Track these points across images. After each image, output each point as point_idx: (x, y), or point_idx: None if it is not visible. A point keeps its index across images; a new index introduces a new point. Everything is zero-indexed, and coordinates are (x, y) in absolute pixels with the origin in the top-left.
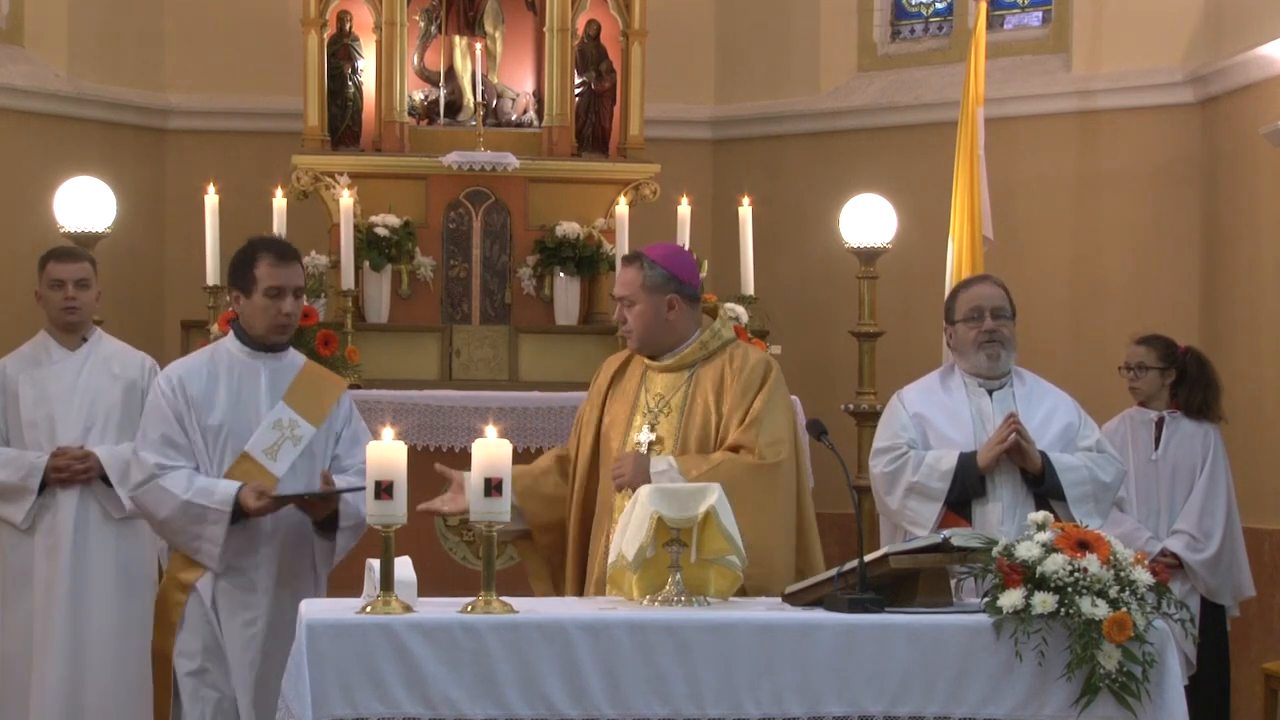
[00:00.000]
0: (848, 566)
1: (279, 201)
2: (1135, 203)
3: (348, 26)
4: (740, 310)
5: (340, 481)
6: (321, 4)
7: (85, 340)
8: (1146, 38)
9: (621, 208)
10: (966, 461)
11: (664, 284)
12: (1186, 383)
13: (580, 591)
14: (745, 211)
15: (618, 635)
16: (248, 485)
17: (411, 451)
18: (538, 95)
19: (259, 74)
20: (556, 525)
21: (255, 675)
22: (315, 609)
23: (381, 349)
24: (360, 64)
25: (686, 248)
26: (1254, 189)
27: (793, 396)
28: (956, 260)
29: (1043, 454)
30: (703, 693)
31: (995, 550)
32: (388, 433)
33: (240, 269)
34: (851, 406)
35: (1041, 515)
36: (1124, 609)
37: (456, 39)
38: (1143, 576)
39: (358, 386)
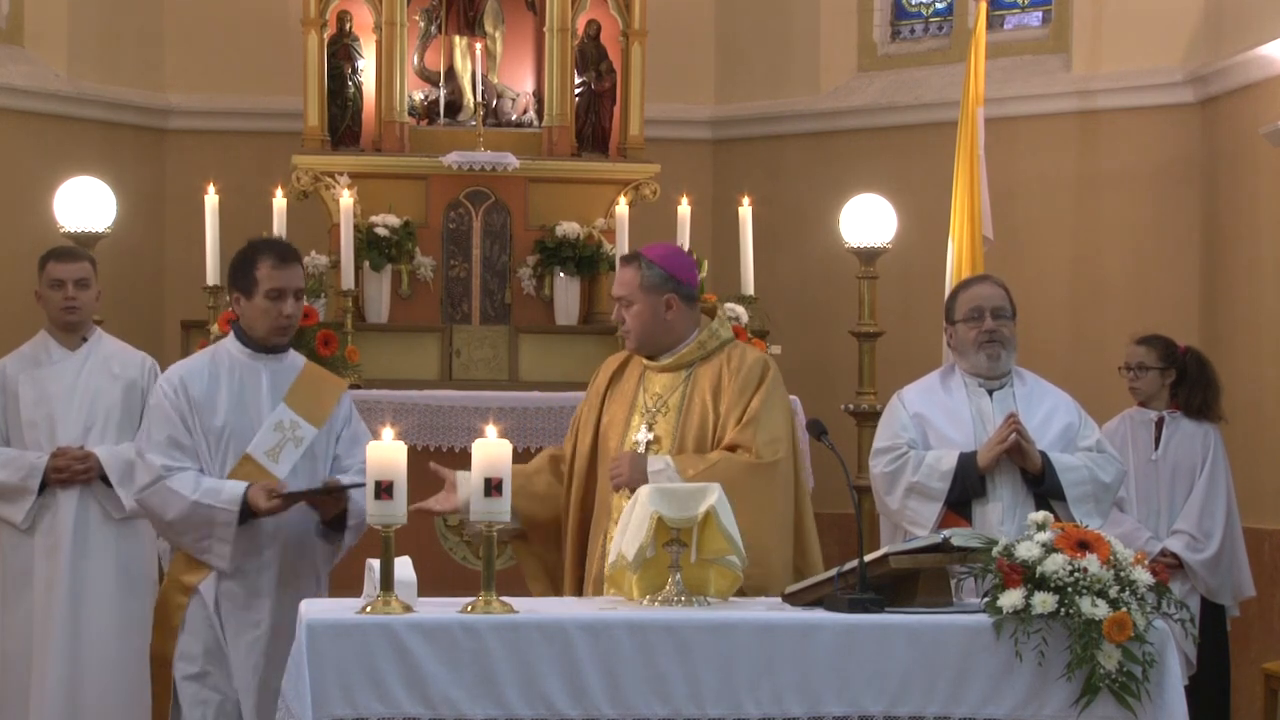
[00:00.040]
0: (848, 566)
1: (279, 201)
2: (1135, 203)
3: (348, 26)
4: (740, 310)
5: (343, 481)
6: (321, 4)
7: (85, 340)
8: (1146, 38)
9: (621, 208)
10: (966, 461)
11: (662, 284)
12: (1186, 383)
13: (579, 592)
14: (745, 211)
15: (618, 635)
16: (256, 485)
17: (412, 451)
18: (538, 95)
19: (259, 74)
20: (550, 523)
21: (259, 678)
22: (315, 609)
23: (381, 349)
24: (360, 64)
25: (686, 248)
26: (1254, 189)
27: (793, 397)
28: (956, 260)
29: (1043, 454)
30: (703, 693)
31: (995, 550)
32: (388, 433)
33: (241, 271)
34: (851, 406)
35: (1041, 515)
36: (1124, 609)
37: (456, 39)
38: (1143, 576)
39: (358, 386)
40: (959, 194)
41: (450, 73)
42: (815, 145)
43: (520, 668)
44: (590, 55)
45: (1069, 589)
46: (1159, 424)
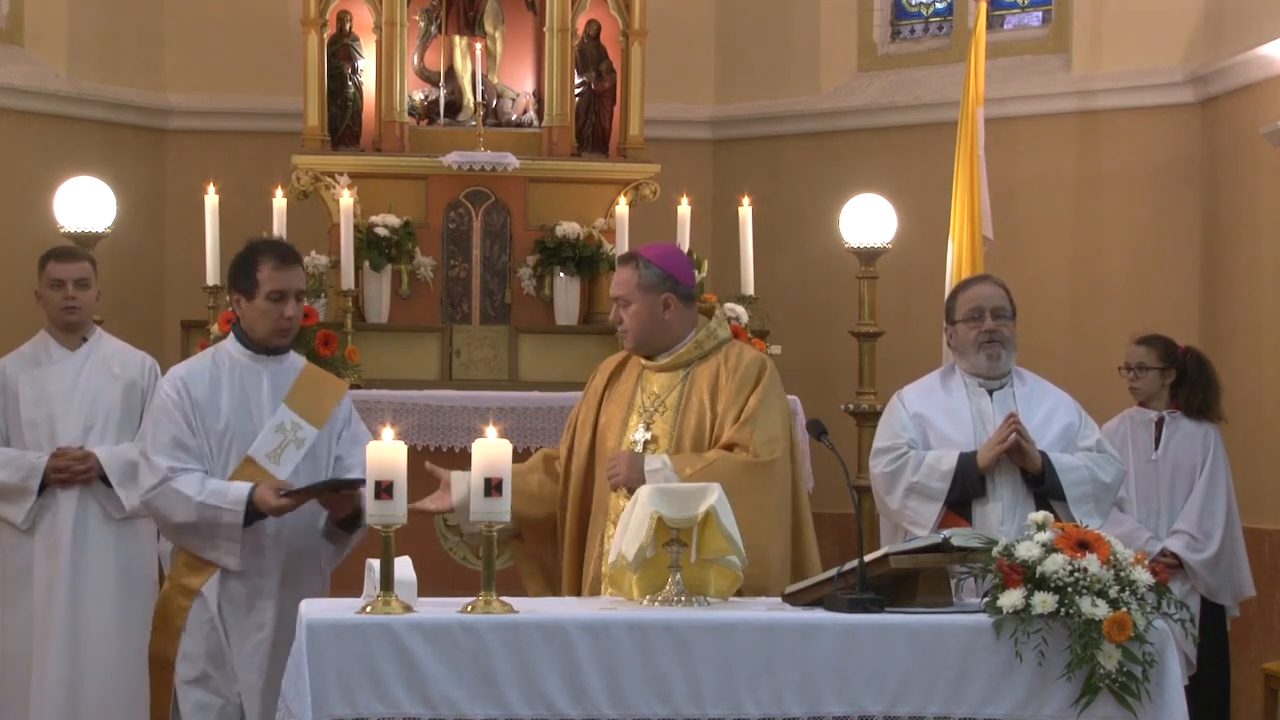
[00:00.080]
0: (848, 566)
1: (279, 201)
2: (1135, 203)
3: (348, 26)
4: (740, 310)
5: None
6: (321, 4)
7: (85, 340)
8: (1146, 38)
9: (621, 208)
10: (966, 461)
11: (659, 283)
12: (1186, 383)
13: (578, 592)
14: (745, 211)
15: (618, 635)
16: (264, 484)
17: (412, 451)
18: (538, 95)
19: (259, 74)
20: (544, 522)
21: (264, 681)
22: (315, 609)
23: (381, 349)
24: (360, 64)
25: (687, 248)
26: (1254, 189)
27: (793, 397)
28: (956, 260)
29: (1043, 454)
30: (703, 693)
31: (995, 550)
32: (388, 433)
33: (242, 272)
34: (851, 406)
35: (1041, 515)
36: (1124, 609)
37: (456, 39)
38: (1143, 576)
39: (358, 386)
40: (959, 194)
41: (450, 73)
42: (815, 145)
43: (520, 668)
44: (590, 55)
45: (1069, 589)
46: (1159, 424)
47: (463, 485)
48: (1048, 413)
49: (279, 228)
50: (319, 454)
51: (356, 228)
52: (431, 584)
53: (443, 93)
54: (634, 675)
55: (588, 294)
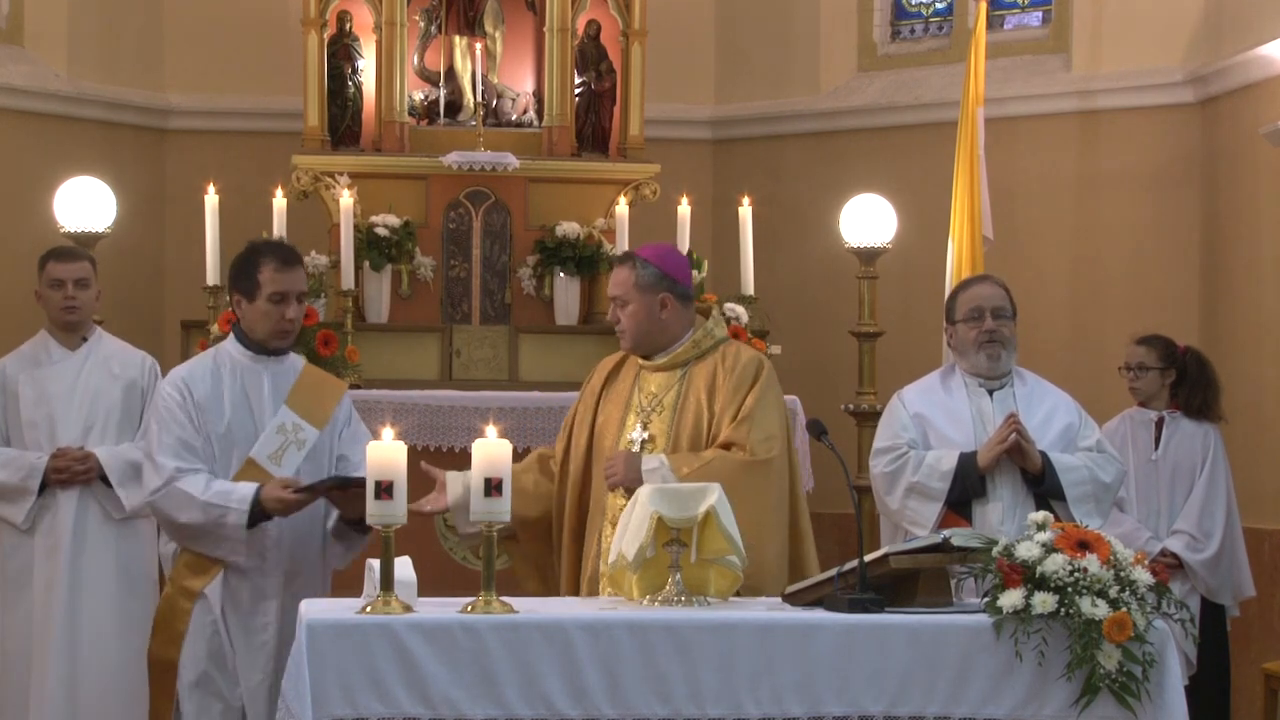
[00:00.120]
0: (848, 566)
1: (279, 201)
2: (1135, 203)
3: (348, 26)
4: (740, 310)
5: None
6: (321, 4)
7: (85, 340)
8: (1146, 38)
9: (621, 208)
10: (966, 461)
11: (657, 283)
12: (1186, 383)
13: (576, 592)
14: (745, 211)
15: (618, 635)
16: (271, 482)
17: (412, 451)
18: (538, 95)
19: (259, 74)
20: (539, 521)
21: (268, 682)
22: (315, 609)
23: (381, 349)
24: (360, 64)
25: (686, 248)
26: (1254, 189)
27: (793, 397)
28: (956, 260)
29: (1043, 454)
30: (703, 693)
31: (995, 550)
32: (388, 433)
33: (243, 273)
34: (851, 406)
35: (1041, 515)
36: (1124, 609)
37: (456, 39)
38: (1143, 576)
39: (358, 386)
40: (959, 194)
41: (450, 73)
42: (815, 145)
43: (520, 668)
44: (590, 55)
45: (1069, 589)
46: (1159, 424)
47: (458, 485)
48: (1048, 413)
49: (279, 228)
50: (320, 455)
51: (356, 228)
52: (431, 584)
53: (443, 93)
54: (634, 675)
55: (588, 294)
